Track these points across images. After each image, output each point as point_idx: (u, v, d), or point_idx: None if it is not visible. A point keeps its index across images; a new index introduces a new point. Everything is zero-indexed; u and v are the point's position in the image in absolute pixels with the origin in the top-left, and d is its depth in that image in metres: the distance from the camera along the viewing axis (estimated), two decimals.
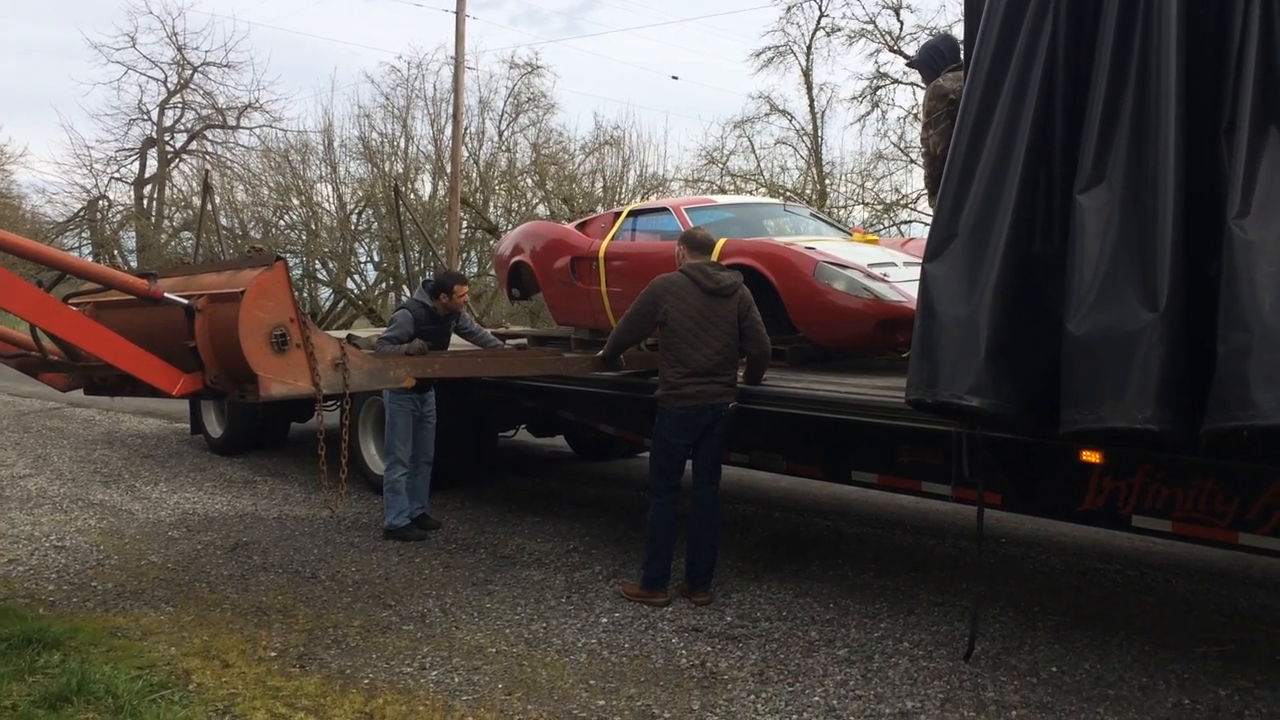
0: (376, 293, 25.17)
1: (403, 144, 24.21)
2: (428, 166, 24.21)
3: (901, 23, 21.61)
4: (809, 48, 22.63)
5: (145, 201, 32.71)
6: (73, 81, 62.64)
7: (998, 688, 4.29)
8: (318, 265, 24.32)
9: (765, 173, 23.09)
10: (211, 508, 7.68)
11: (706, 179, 22.87)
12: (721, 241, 6.31)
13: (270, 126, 29.72)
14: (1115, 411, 3.37)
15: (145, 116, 32.25)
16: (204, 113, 32.58)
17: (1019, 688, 4.30)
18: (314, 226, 24.31)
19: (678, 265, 5.39)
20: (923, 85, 5.60)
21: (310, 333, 4.54)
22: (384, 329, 7.33)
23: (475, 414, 7.96)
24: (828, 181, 22.45)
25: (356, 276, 25.03)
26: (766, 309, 5.55)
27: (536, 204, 23.47)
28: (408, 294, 22.37)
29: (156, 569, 6.02)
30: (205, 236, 13.86)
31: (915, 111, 20.84)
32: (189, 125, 32.89)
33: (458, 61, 20.37)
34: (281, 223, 25.06)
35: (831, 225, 7.91)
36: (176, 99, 32.41)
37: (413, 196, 22.89)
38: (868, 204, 21.92)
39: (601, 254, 7.40)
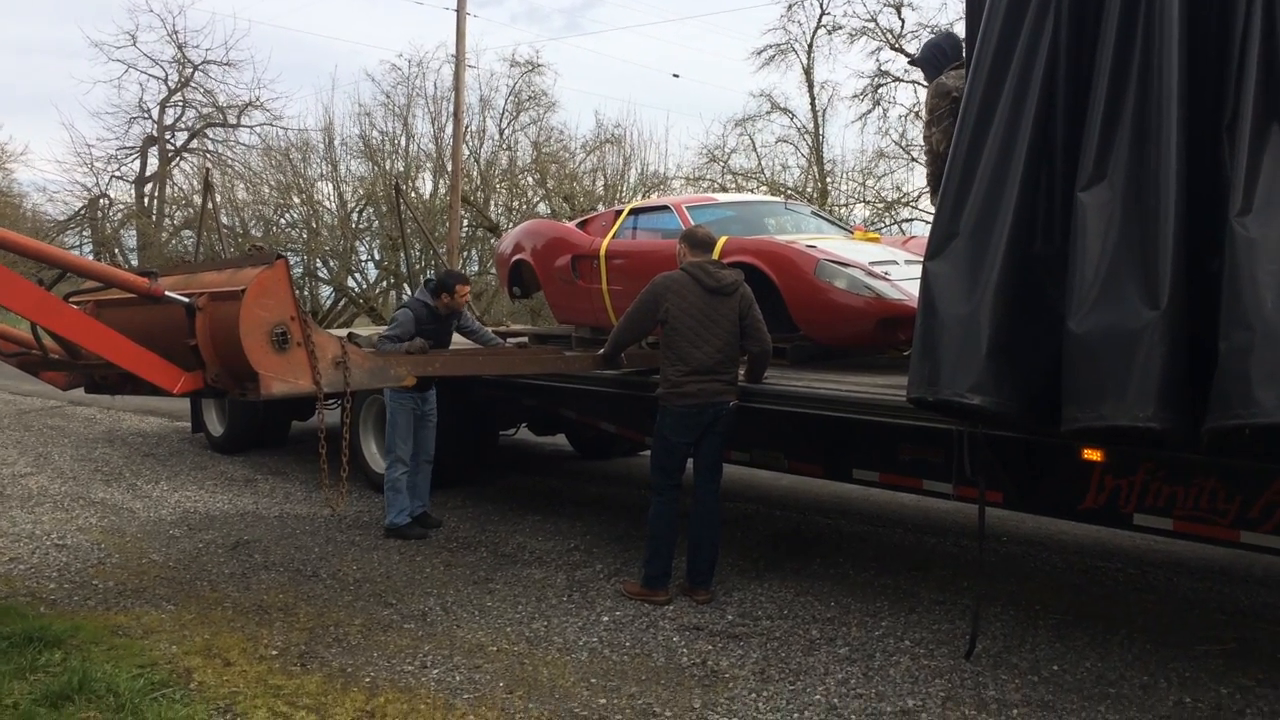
0: (377, 291, 25.19)
1: (403, 142, 24.25)
2: (428, 165, 24.25)
3: (903, 21, 21.61)
4: (810, 46, 22.63)
5: (146, 200, 32.74)
6: (73, 80, 62.77)
7: (999, 686, 4.29)
8: (318, 264, 24.34)
9: (766, 171, 23.10)
10: (213, 506, 7.69)
11: (707, 177, 22.87)
12: (722, 240, 6.31)
13: (271, 125, 29.81)
14: (1117, 409, 3.37)
15: (146, 115, 32.31)
16: (205, 111, 32.62)
17: (1020, 686, 4.30)
18: (315, 225, 24.32)
19: (679, 263, 5.39)
20: (925, 83, 5.59)
21: (311, 331, 4.54)
22: (385, 327, 7.33)
23: (476, 412, 7.96)
24: (829, 180, 22.45)
25: (357, 275, 25.07)
26: (768, 307, 5.55)
27: (537, 202, 23.47)
28: (408, 292, 22.46)
29: (158, 567, 6.02)
30: (206, 235, 13.85)
31: (917, 109, 20.84)
32: (190, 123, 32.94)
33: (458, 60, 20.36)
34: (282, 221, 25.09)
35: (833, 223, 7.90)
36: (177, 97, 32.46)
37: (413, 195, 22.91)
38: (869, 202, 21.92)
39: (602, 252, 7.40)
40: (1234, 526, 4.41)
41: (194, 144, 32.79)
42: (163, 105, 32.33)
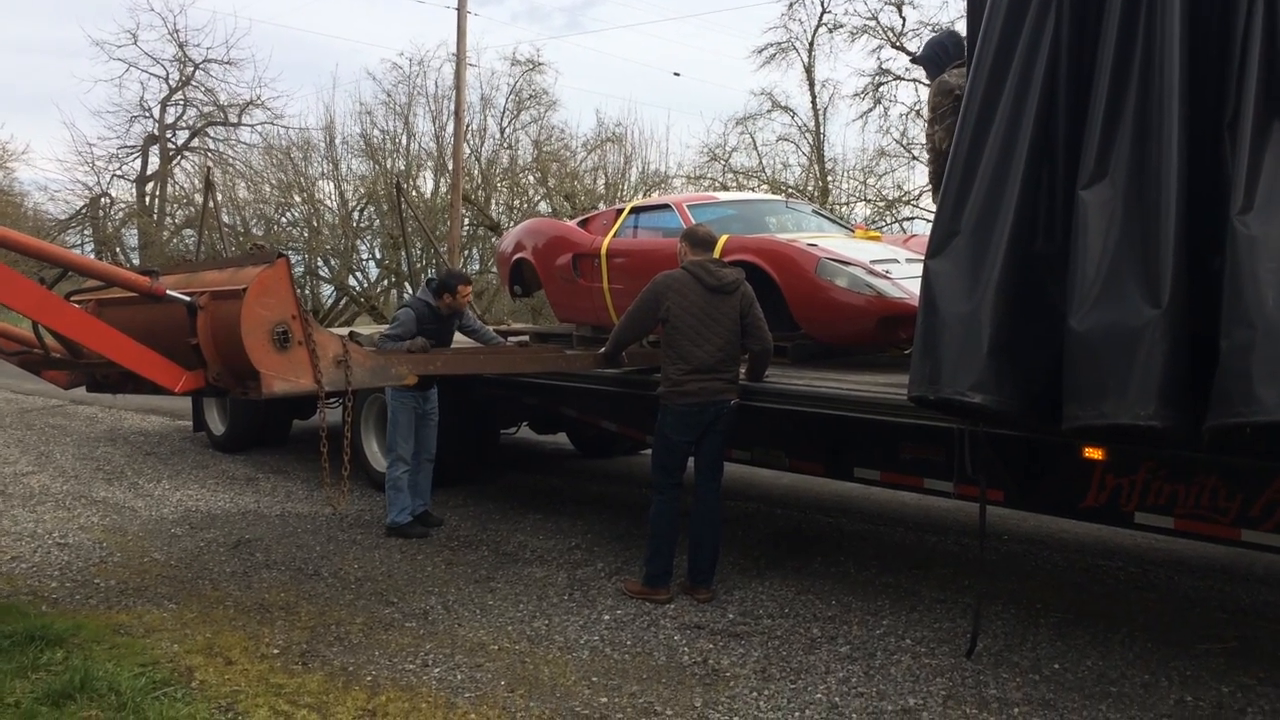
0: (378, 290, 25.19)
1: (404, 141, 24.24)
2: (429, 163, 24.24)
3: (904, 19, 21.61)
4: (811, 44, 22.63)
5: (147, 199, 32.74)
6: (74, 79, 62.72)
7: (1000, 685, 4.29)
8: (320, 262, 24.34)
9: (767, 169, 23.09)
10: (214, 505, 7.69)
11: (708, 176, 22.87)
12: (723, 238, 6.31)
13: (272, 124, 29.80)
14: (1118, 408, 3.37)
15: (147, 114, 32.30)
16: (206, 110, 32.60)
17: (1021, 685, 4.30)
18: (316, 224, 24.33)
19: (679, 262, 5.39)
20: (927, 82, 5.59)
21: (312, 330, 4.54)
22: (386, 326, 7.33)
23: (477, 411, 7.96)
24: (830, 178, 22.45)
25: (358, 274, 25.07)
26: (768, 306, 5.55)
27: (538, 201, 23.46)
28: (410, 291, 22.47)
29: (159, 566, 6.02)
30: (207, 234, 13.86)
31: (918, 108, 20.83)
32: (191, 122, 32.93)
33: (459, 58, 20.36)
34: (283, 220, 25.10)
35: (834, 222, 7.90)
36: (178, 96, 32.44)
37: (414, 194, 22.93)
38: (870, 201, 21.92)
39: (603, 251, 7.40)
40: (1235, 525, 4.40)
41: (195, 143, 32.82)
42: (164, 104, 32.35)
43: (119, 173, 32.54)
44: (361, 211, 24.51)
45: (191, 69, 31.72)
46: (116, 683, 4.10)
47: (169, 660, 4.47)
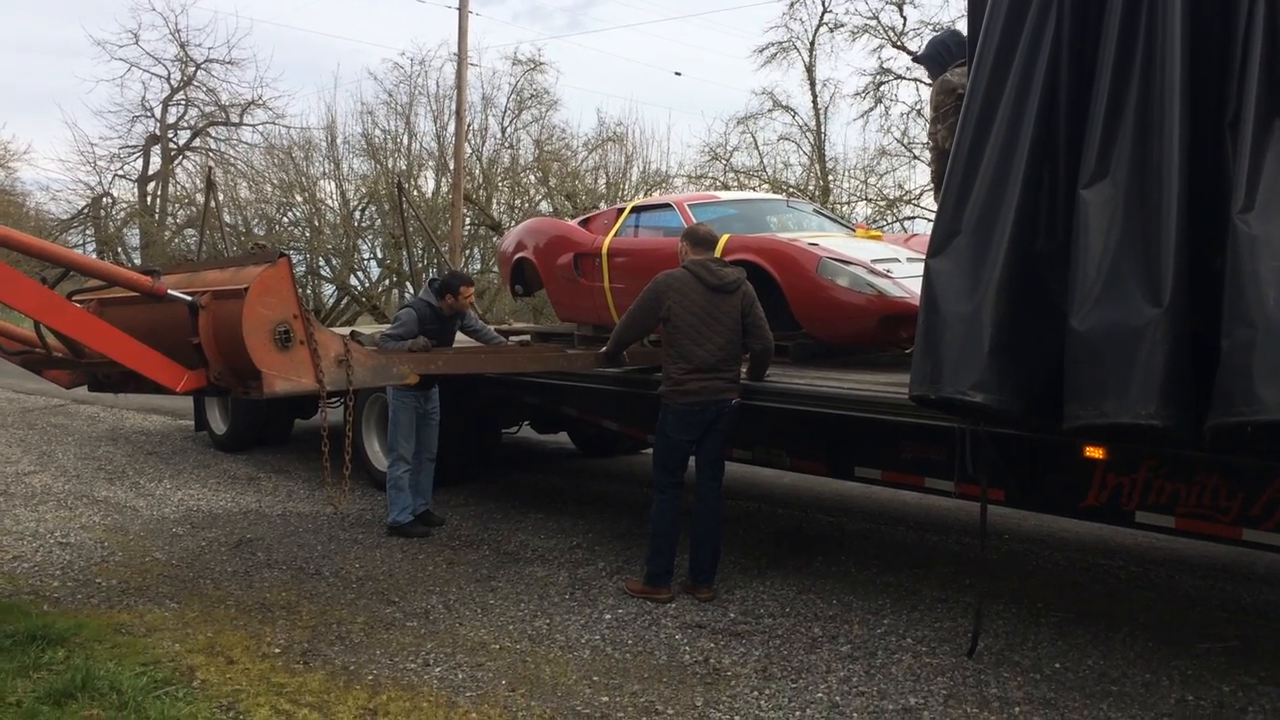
0: (380, 289, 25.20)
1: (406, 140, 24.27)
2: (431, 163, 24.27)
3: (905, 18, 21.61)
4: (812, 43, 22.62)
5: (149, 198, 32.74)
6: (76, 78, 62.78)
7: (1001, 684, 4.29)
8: (321, 262, 24.36)
9: (768, 169, 23.11)
10: (215, 504, 7.70)
11: (709, 175, 22.88)
12: (725, 238, 6.31)
13: (273, 123, 29.77)
14: (1119, 407, 3.37)
15: (149, 113, 32.27)
16: (207, 109, 32.58)
17: (1022, 684, 4.30)
18: (317, 223, 24.34)
19: (680, 261, 5.39)
20: (928, 81, 5.59)
21: (314, 329, 4.54)
22: (388, 325, 7.33)
23: (478, 410, 7.97)
24: (831, 177, 22.45)
25: (360, 273, 25.08)
26: (770, 305, 5.54)
27: (539, 200, 23.47)
28: (411, 290, 22.48)
29: (161, 566, 6.03)
30: (209, 233, 13.87)
31: (919, 107, 20.83)
32: (192, 122, 32.91)
33: (460, 58, 20.36)
34: (285, 219, 25.12)
35: (835, 221, 7.90)
36: (180, 96, 32.41)
37: (416, 193, 22.94)
38: (871, 200, 21.93)
39: (605, 250, 7.40)
40: (1236, 524, 4.40)
41: (197, 142, 32.80)
42: (165, 104, 32.33)
43: (121, 172, 32.58)
44: (363, 211, 24.53)
45: (193, 69, 31.73)
46: (118, 682, 4.10)
47: (170, 659, 4.47)
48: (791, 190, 21.35)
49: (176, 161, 32.04)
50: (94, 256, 22.52)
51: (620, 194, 22.11)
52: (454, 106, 21.30)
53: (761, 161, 23.26)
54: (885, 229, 17.18)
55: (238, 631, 4.86)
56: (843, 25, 22.12)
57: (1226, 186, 3.26)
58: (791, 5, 22.56)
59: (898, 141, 21.55)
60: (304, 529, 6.93)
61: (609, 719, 3.96)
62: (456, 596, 5.46)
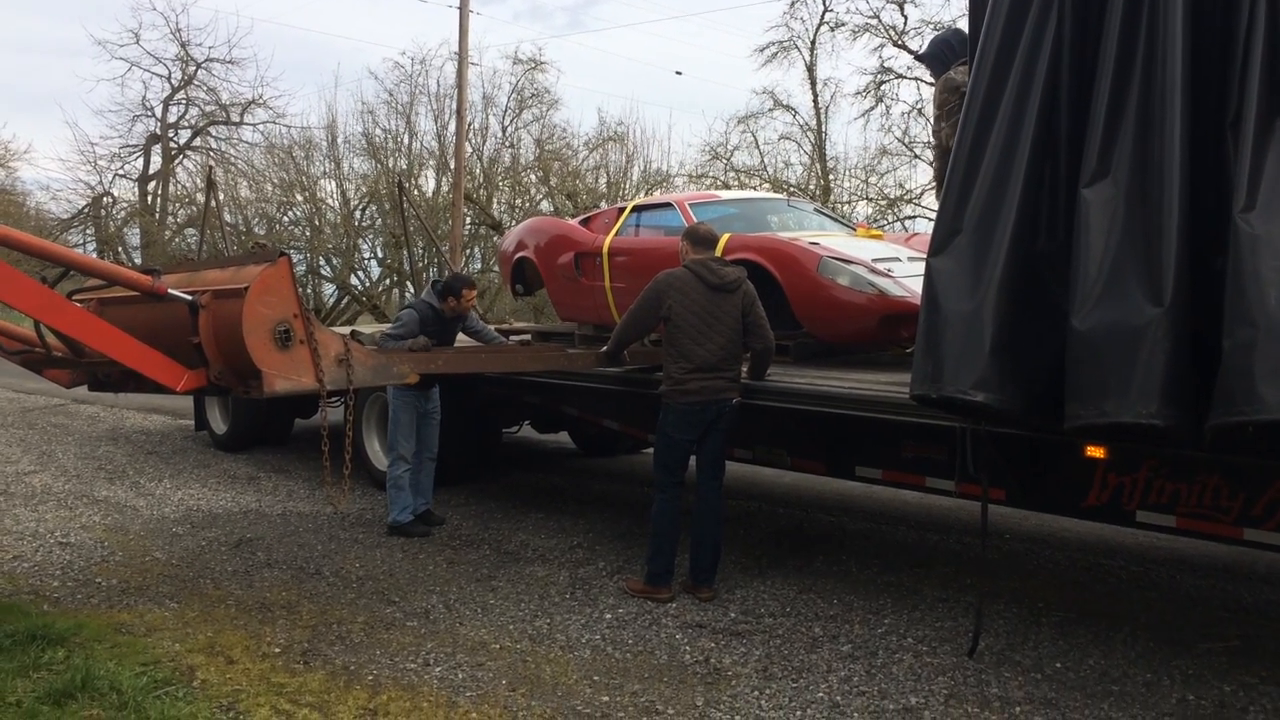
0: (380, 289, 25.21)
1: (406, 140, 24.26)
2: (431, 162, 24.27)
3: (905, 17, 21.65)
4: (813, 43, 22.64)
5: (149, 198, 32.76)
6: (77, 78, 62.81)
7: (1002, 684, 4.29)
8: (321, 261, 24.37)
9: (769, 168, 23.13)
10: (215, 504, 7.69)
11: (710, 174, 22.89)
12: (725, 237, 6.31)
13: (274, 123, 29.81)
14: (1120, 406, 3.36)
15: (149, 113, 32.31)
16: (208, 109, 32.62)
17: (1023, 683, 4.29)
18: (318, 223, 24.35)
19: (681, 261, 5.38)
20: (929, 80, 5.59)
21: (314, 328, 4.54)
22: (389, 325, 7.33)
23: (479, 410, 7.96)
24: (831, 177, 22.45)
25: (360, 273, 25.08)
26: (770, 304, 5.54)
27: (540, 200, 23.48)
28: (411, 290, 22.49)
29: (161, 565, 6.03)
30: (209, 233, 13.86)
31: (920, 106, 20.86)
32: (193, 122, 32.95)
33: (461, 57, 20.36)
34: (285, 219, 25.12)
35: (835, 220, 7.90)
36: (180, 95, 32.45)
37: (416, 192, 22.93)
38: (872, 199, 21.95)
39: (605, 249, 7.39)
40: (1237, 524, 4.40)
41: (197, 142, 32.84)
42: (166, 103, 32.37)
43: (121, 172, 32.61)
44: (363, 210, 24.54)
45: (194, 68, 31.76)
46: (118, 682, 4.10)
47: (170, 659, 4.47)
48: (792, 189, 21.35)
49: (177, 161, 32.07)
50: (94, 256, 22.53)
51: (621, 193, 22.12)
52: (455, 106, 21.31)
53: (762, 161, 23.31)
54: (886, 228, 17.19)
55: (238, 631, 4.85)
56: (843, 24, 22.18)
57: (1228, 186, 3.26)
58: (792, 4, 22.61)
59: (899, 141, 21.60)
60: (304, 528, 6.93)
61: (609, 719, 3.96)
62: (457, 596, 5.45)
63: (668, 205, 7.52)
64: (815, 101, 22.88)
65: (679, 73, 51.34)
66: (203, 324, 4.41)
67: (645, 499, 5.90)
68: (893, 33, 21.65)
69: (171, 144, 32.61)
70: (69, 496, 7.87)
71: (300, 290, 4.69)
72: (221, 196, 21.20)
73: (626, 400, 6.71)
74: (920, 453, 5.40)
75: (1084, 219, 3.55)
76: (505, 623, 5.04)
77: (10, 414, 12.77)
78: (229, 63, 31.32)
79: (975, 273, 3.76)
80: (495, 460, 8.69)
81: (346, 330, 5.99)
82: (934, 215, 4.18)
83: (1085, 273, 3.51)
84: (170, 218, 30.36)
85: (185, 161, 32.04)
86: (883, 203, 21.68)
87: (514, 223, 20.10)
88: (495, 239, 21.93)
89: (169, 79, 32.03)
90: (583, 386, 6.62)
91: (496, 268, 17.72)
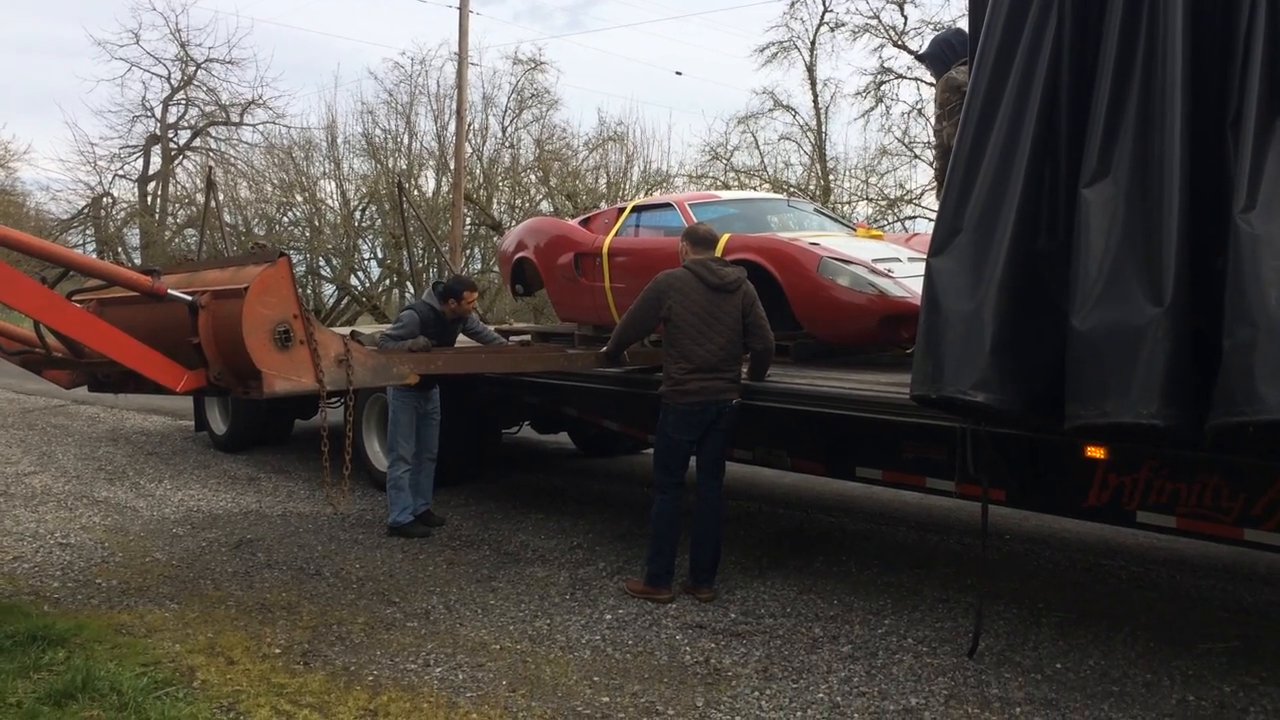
0: (380, 289, 25.21)
1: (406, 140, 24.27)
2: (431, 163, 24.28)
3: (905, 18, 21.66)
4: (813, 43, 22.64)
5: (149, 198, 32.76)
6: (76, 78, 62.80)
7: (1002, 684, 4.29)
8: (321, 262, 24.37)
9: (769, 168, 23.13)
10: (216, 505, 7.69)
11: (710, 175, 22.89)
12: (725, 237, 6.31)
13: (274, 123, 29.81)
14: (1120, 407, 3.36)
15: (149, 113, 32.31)
16: (207, 109, 32.61)
17: (1023, 684, 4.29)
18: (317, 223, 24.35)
19: (681, 261, 5.38)
20: (929, 80, 5.60)
21: (314, 329, 4.54)
22: (389, 325, 7.33)
23: (479, 411, 7.96)
24: (831, 177, 22.46)
25: (360, 273, 25.08)
26: (770, 305, 5.54)
27: (540, 200, 23.48)
28: (411, 290, 22.49)
29: (161, 566, 6.02)
30: (209, 233, 13.85)
31: (920, 106, 20.86)
32: (193, 122, 32.94)
33: (461, 57, 20.36)
34: (285, 219, 25.12)
35: (835, 221, 7.90)
36: (180, 96, 32.45)
37: (416, 193, 22.94)
38: (872, 199, 21.96)
39: (605, 250, 7.39)
40: (1237, 524, 4.40)
41: (197, 142, 32.84)
42: (166, 104, 32.36)
43: (121, 172, 32.61)
44: (363, 211, 24.54)
45: (193, 68, 31.76)
46: (118, 683, 4.09)
47: (171, 660, 4.47)
48: (792, 190, 21.35)
49: (177, 161, 32.07)
50: (94, 256, 22.52)
51: (621, 193, 22.12)
52: (454, 106, 21.31)
53: (762, 161, 23.31)
54: (886, 228, 17.19)
55: (238, 632, 4.85)
56: (843, 25, 22.18)
57: (1228, 186, 3.25)
58: (792, 5, 22.61)
59: (899, 141, 21.61)
60: (304, 529, 6.93)
61: (610, 719, 3.96)
62: (457, 597, 5.45)
63: (668, 205, 7.52)
64: (815, 102, 22.90)
65: (679, 73, 51.40)
66: (202, 324, 4.41)
67: (645, 500, 5.90)
68: (893, 33, 21.67)
69: (171, 144, 32.61)
70: (69, 497, 7.87)
71: (300, 291, 4.69)
72: (221, 197, 21.21)
73: (626, 401, 6.71)
74: (920, 453, 5.40)
75: (1084, 219, 3.55)
76: (505, 623, 5.04)
77: (10, 415, 12.77)
78: (229, 63, 31.36)
79: (975, 273, 3.75)
80: (495, 461, 8.69)
81: (346, 331, 5.99)
82: (934, 215, 4.18)
83: (1085, 272, 3.51)
84: (170, 218, 30.35)
85: (185, 162, 32.08)
86: (883, 203, 21.69)
87: (514, 223, 20.10)
88: (495, 239, 21.93)
89: (169, 79, 32.07)
90: (583, 387, 6.62)
91: (496, 268, 17.72)
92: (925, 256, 4.03)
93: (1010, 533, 6.72)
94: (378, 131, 24.16)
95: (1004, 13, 3.86)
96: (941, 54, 5.32)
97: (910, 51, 20.98)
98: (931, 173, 19.62)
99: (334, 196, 24.67)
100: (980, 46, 3.96)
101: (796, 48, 22.84)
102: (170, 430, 11.42)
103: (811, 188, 22.07)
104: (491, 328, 7.61)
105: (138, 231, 31.07)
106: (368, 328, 9.94)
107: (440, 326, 6.57)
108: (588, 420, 7.67)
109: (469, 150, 22.27)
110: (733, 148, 23.40)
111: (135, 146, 32.43)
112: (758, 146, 23.31)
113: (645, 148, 24.19)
